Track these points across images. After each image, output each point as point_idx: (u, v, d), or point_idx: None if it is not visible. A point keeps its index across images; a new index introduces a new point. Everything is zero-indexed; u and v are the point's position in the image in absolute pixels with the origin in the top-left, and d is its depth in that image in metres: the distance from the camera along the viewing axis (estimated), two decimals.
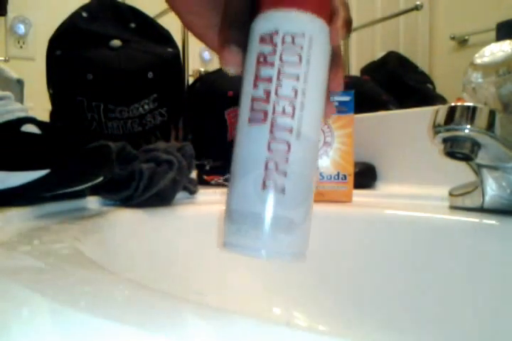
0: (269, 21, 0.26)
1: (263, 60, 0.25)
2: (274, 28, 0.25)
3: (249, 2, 0.28)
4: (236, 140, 0.26)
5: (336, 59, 0.28)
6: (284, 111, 0.24)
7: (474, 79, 0.44)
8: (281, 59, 0.25)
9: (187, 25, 0.35)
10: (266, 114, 0.25)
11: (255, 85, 0.25)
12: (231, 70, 0.28)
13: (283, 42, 0.25)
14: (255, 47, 0.26)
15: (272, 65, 0.25)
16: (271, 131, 0.24)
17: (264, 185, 0.24)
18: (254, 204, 0.24)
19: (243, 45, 0.27)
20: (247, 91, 0.26)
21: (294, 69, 0.25)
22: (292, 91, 0.25)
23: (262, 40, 0.25)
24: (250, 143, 0.25)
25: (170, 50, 0.81)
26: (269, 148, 0.24)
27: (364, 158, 0.74)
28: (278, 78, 0.25)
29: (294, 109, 0.25)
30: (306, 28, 0.25)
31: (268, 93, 0.25)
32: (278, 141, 0.24)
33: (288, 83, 0.25)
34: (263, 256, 0.24)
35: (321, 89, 0.26)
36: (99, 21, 0.78)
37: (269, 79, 0.25)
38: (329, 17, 0.27)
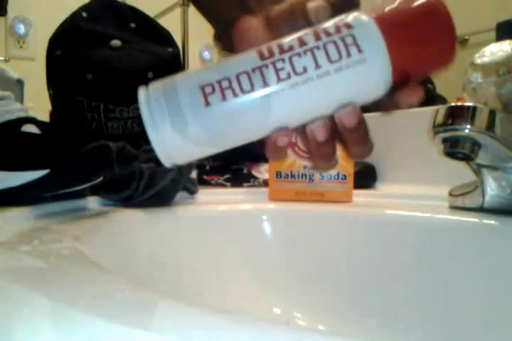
0: None
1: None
2: None
3: None
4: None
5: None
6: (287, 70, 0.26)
7: (474, 79, 0.44)
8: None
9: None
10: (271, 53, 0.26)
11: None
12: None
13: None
14: None
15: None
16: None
17: (207, 103, 0.25)
18: (191, 96, 0.26)
19: None
20: None
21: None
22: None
23: None
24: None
25: (170, 50, 0.81)
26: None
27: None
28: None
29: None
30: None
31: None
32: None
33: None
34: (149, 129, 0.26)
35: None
36: (99, 21, 0.78)
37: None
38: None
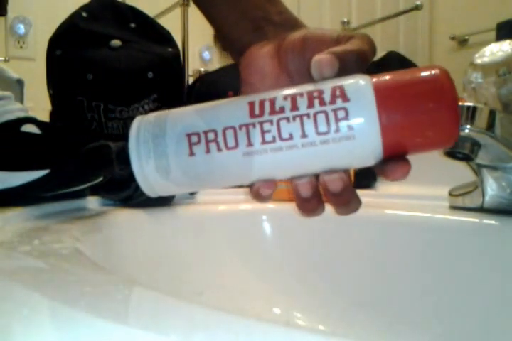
0: None
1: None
2: None
3: None
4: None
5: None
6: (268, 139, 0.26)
7: (474, 79, 0.44)
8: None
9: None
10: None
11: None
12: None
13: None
14: None
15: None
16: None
17: (192, 153, 0.26)
18: (176, 142, 0.27)
19: None
20: None
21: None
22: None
23: None
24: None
25: (170, 50, 0.81)
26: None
27: None
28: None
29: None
30: None
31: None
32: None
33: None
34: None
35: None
36: (99, 21, 0.78)
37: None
38: None
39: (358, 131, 0.25)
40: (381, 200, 0.60)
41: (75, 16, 0.77)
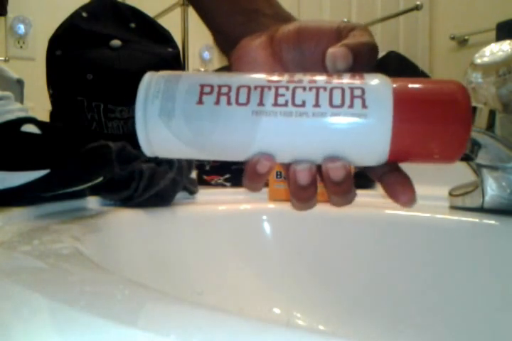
0: None
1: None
2: None
3: None
4: None
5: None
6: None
7: (474, 79, 0.44)
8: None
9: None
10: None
11: None
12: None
13: None
14: None
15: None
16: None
17: (200, 101, 0.26)
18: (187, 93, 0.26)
19: None
20: None
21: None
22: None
23: None
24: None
25: (170, 50, 0.81)
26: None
27: None
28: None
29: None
30: None
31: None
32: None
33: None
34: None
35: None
36: (99, 21, 0.78)
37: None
38: None
39: (371, 109, 0.24)
40: (381, 200, 0.60)
41: (74, 16, 0.77)
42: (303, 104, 0.25)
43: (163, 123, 0.26)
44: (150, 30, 0.82)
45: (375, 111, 0.24)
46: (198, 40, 1.24)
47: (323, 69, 0.29)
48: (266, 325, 0.16)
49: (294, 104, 0.25)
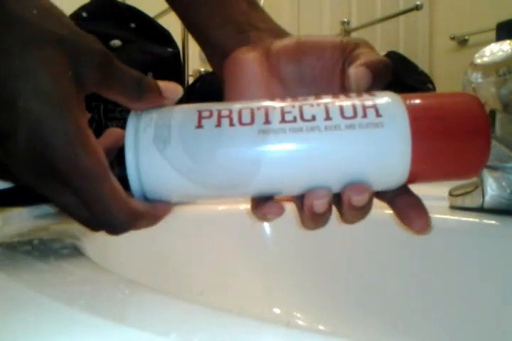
0: None
1: None
2: None
3: None
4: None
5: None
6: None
7: (474, 79, 0.44)
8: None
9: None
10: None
11: None
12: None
13: None
14: None
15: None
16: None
17: (200, 125, 0.23)
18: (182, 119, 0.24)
19: None
20: None
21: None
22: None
23: None
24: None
25: (170, 50, 0.81)
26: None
27: None
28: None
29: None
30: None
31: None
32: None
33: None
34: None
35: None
36: (99, 21, 0.78)
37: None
38: None
39: (387, 119, 0.23)
40: None
41: (74, 16, 0.77)
42: (313, 118, 0.23)
43: (158, 149, 0.23)
44: (150, 30, 0.82)
45: (391, 119, 0.23)
46: None
47: (323, 84, 0.28)
48: (266, 325, 0.16)
49: (303, 118, 0.23)
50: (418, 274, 0.45)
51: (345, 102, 0.23)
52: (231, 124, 0.23)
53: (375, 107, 0.23)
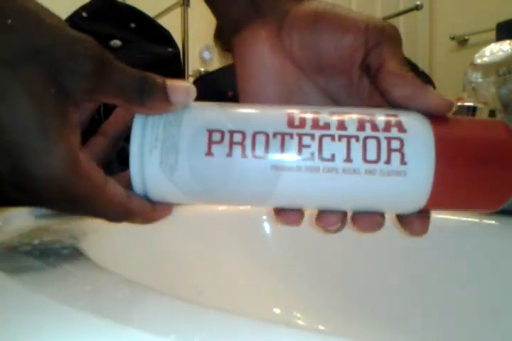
0: None
1: None
2: None
3: None
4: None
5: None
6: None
7: (474, 79, 0.44)
8: None
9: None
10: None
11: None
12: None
13: None
14: None
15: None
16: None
17: (209, 152, 0.22)
18: (188, 145, 0.22)
19: None
20: None
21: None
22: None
23: None
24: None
25: (170, 50, 0.81)
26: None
27: None
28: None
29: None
30: None
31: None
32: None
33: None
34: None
35: None
36: (99, 21, 0.78)
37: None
38: None
39: (411, 167, 0.21)
40: None
41: (74, 16, 0.77)
42: (332, 158, 0.21)
43: (165, 175, 0.22)
44: (150, 30, 0.82)
45: (416, 168, 0.22)
46: (198, 40, 1.24)
47: (341, 73, 0.26)
48: (266, 325, 0.16)
49: (321, 157, 0.21)
50: (418, 274, 0.45)
51: (370, 139, 0.22)
52: (243, 155, 0.22)
53: (401, 151, 0.21)
